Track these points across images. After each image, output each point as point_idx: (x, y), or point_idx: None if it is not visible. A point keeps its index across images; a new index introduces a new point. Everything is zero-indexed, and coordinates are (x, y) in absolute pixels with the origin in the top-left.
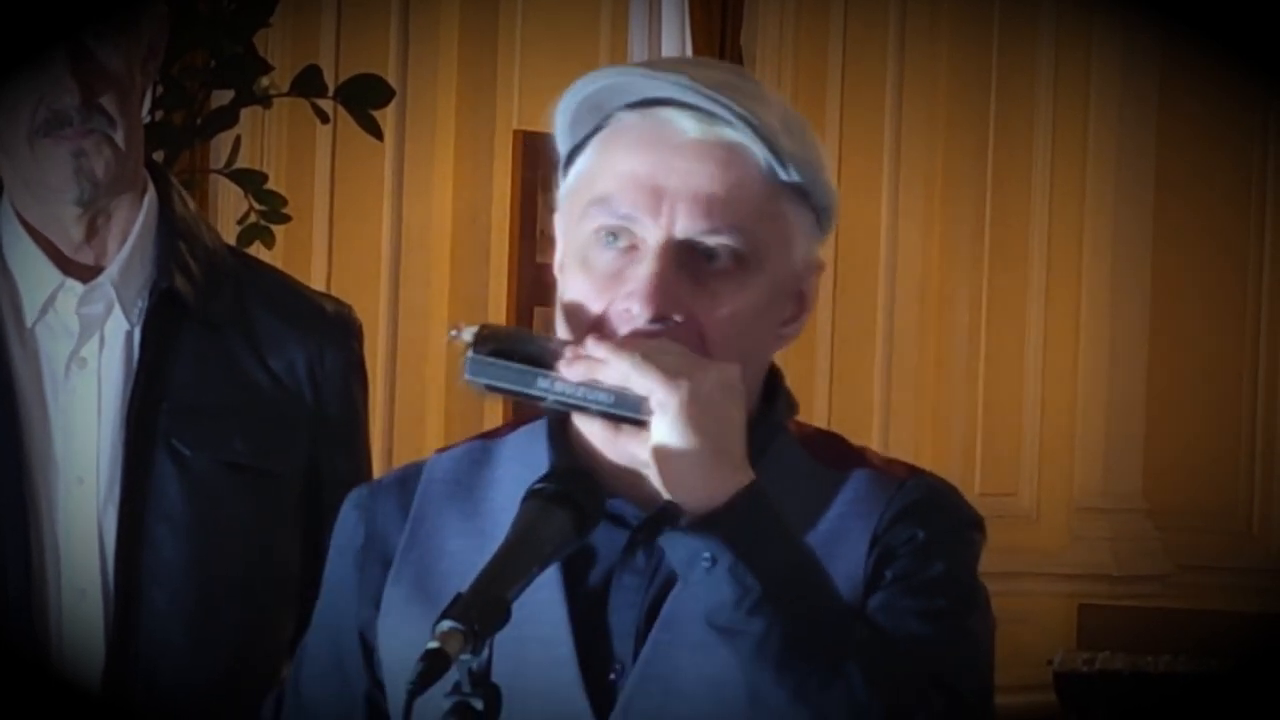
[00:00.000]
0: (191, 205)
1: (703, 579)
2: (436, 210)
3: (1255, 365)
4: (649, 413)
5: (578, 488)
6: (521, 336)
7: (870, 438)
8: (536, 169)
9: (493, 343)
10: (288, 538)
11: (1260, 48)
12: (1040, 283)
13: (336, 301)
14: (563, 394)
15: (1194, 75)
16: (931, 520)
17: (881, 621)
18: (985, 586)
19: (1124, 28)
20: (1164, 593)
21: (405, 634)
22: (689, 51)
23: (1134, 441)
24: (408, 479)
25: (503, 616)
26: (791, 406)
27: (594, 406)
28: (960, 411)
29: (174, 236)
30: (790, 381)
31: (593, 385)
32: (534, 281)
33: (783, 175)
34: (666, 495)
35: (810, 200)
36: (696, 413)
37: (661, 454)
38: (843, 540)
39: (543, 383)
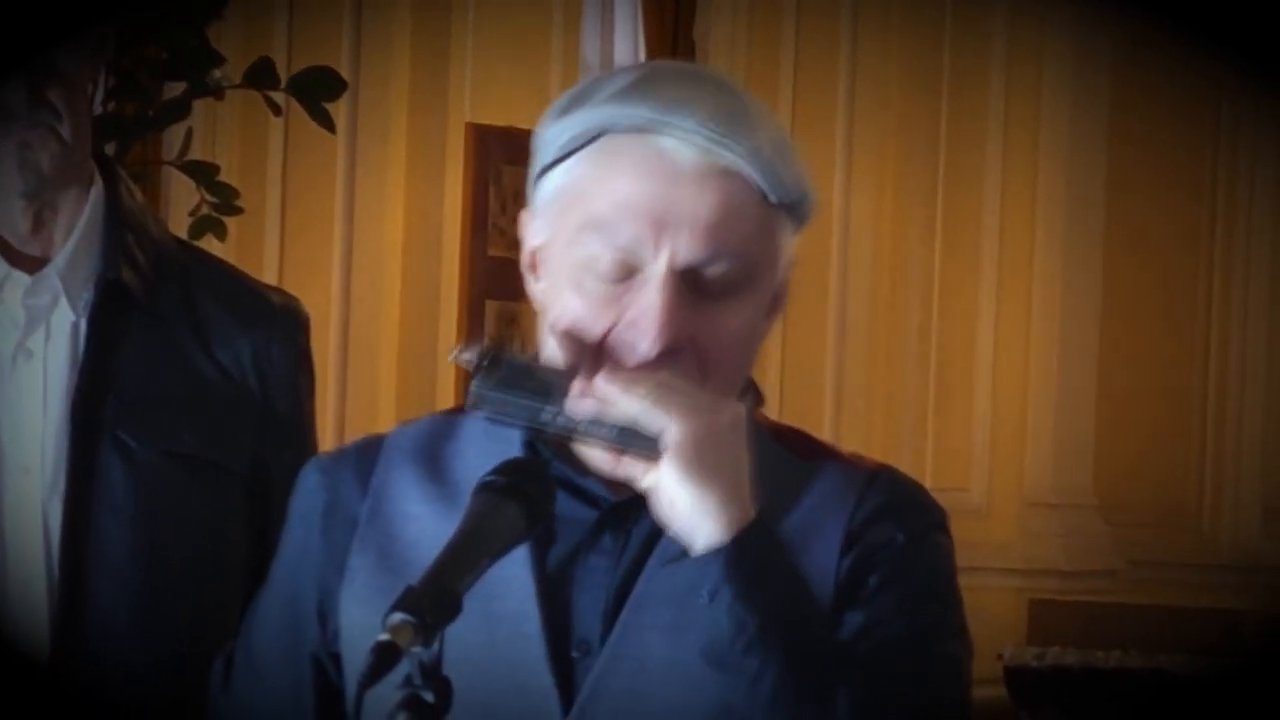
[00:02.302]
0: (139, 197)
1: (699, 612)
2: (389, 203)
3: (1206, 362)
4: (654, 448)
5: (531, 482)
6: (525, 368)
7: (821, 432)
8: (488, 162)
9: (497, 373)
10: (234, 528)
11: (1212, 45)
12: (992, 279)
13: (284, 294)
14: (568, 426)
15: (1146, 72)
16: (908, 520)
17: (870, 640)
18: (961, 598)
19: (1077, 25)
20: (1114, 588)
21: (371, 602)
22: (640, 40)
23: (1085, 437)
24: (369, 447)
25: (454, 609)
26: (758, 398)
27: (599, 439)
28: (911, 407)
29: (121, 228)
30: None
31: (598, 420)
32: (486, 274)
33: (775, 199)
34: (669, 527)
35: (795, 213)
36: (708, 451)
37: (669, 492)
38: (816, 533)
39: (546, 416)
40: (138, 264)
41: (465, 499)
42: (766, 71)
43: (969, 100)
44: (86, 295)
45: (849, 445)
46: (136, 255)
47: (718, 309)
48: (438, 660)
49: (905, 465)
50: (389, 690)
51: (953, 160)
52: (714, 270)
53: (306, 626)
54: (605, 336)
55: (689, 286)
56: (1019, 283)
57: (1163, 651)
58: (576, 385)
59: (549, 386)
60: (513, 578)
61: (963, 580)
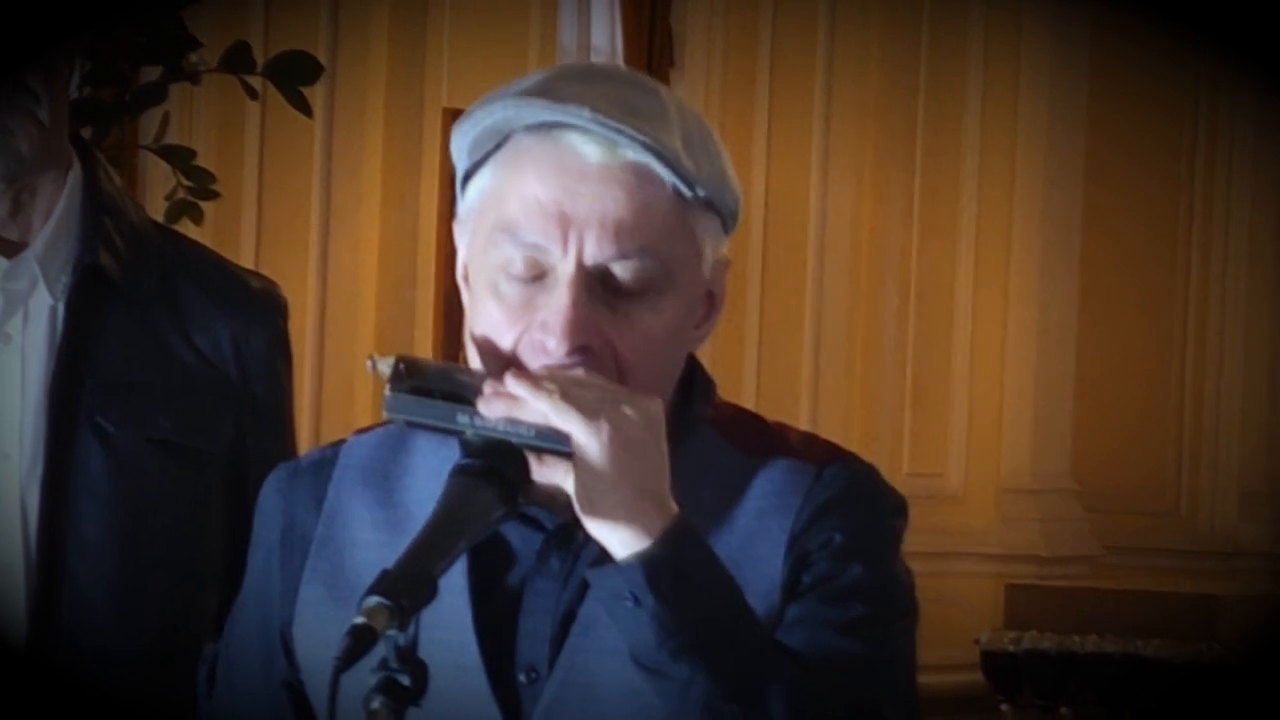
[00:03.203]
0: (117, 181)
1: (626, 617)
2: (365, 187)
3: (1184, 348)
4: (570, 447)
5: (505, 463)
6: (440, 372)
7: (799, 419)
8: None
9: (411, 379)
10: (212, 513)
11: (1190, 34)
12: (969, 265)
13: (263, 279)
14: (484, 428)
15: (1124, 58)
16: (850, 517)
17: (800, 635)
18: (909, 575)
19: (1055, 14)
20: (1091, 573)
21: (320, 632)
22: (617, 28)
23: (1062, 423)
24: (324, 464)
25: (430, 592)
26: (709, 392)
27: (516, 440)
28: (888, 393)
29: (99, 212)
30: (719, 363)
31: (514, 420)
32: None
33: (689, 194)
34: (590, 533)
35: (716, 208)
36: (619, 453)
37: (583, 494)
38: (760, 541)
39: (463, 418)
40: (116, 248)
41: (415, 523)
42: (744, 60)
43: (947, 88)
44: (65, 279)
45: (826, 433)
46: (115, 240)
47: (633, 308)
48: (413, 643)
49: (883, 451)
50: (365, 674)
51: (930, 148)
52: (626, 268)
53: (275, 655)
54: (520, 339)
55: (601, 285)
56: (997, 269)
57: (1140, 636)
58: (487, 387)
59: (464, 390)
60: (448, 606)
61: (940, 565)
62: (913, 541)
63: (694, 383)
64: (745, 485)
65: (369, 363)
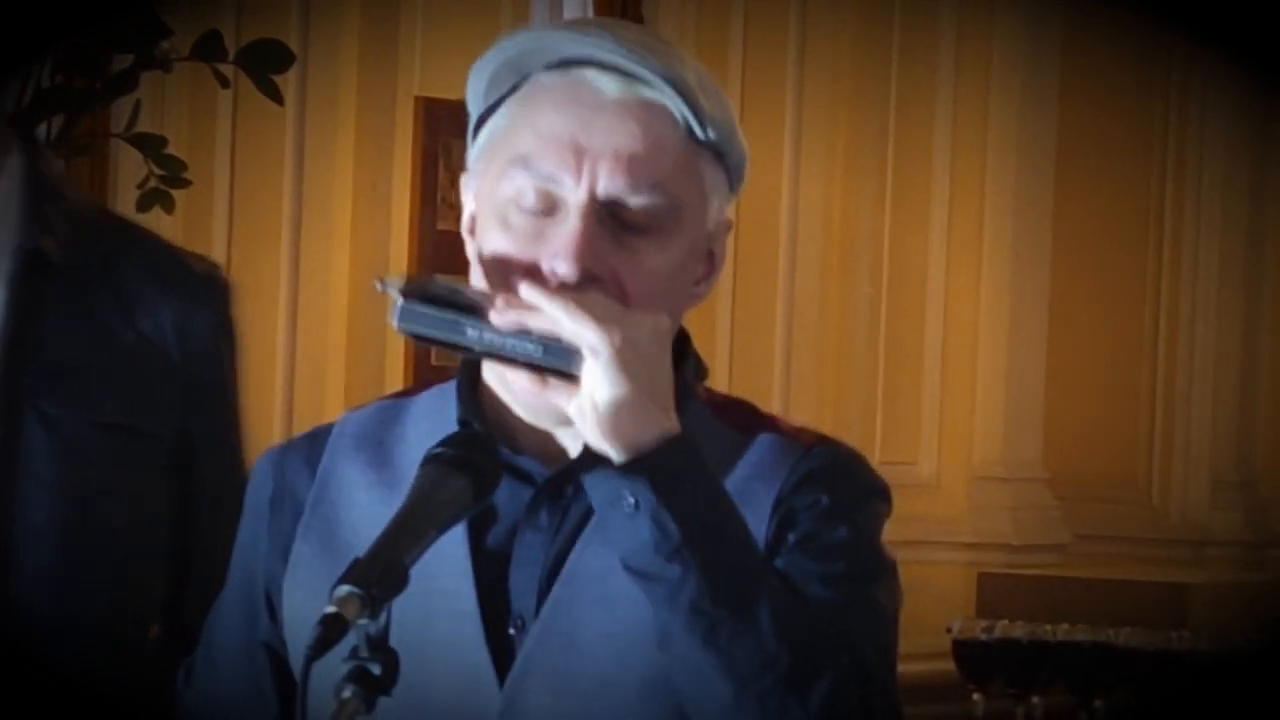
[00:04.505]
0: (58, 166)
1: (623, 522)
2: (338, 175)
3: (1155, 336)
4: (577, 366)
5: (476, 452)
6: (451, 287)
7: (771, 404)
8: (438, 135)
9: (422, 291)
10: (158, 498)
11: (1162, 26)
12: (941, 253)
13: (206, 262)
14: (491, 343)
15: (1096, 49)
16: (836, 486)
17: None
18: (893, 556)
19: (1028, 3)
20: (1064, 562)
21: (312, 588)
22: (590, 14)
23: (1034, 411)
24: (318, 435)
25: (400, 581)
26: (700, 370)
27: (522, 357)
28: (860, 381)
29: (40, 198)
30: None
31: (522, 335)
32: (435, 247)
33: (701, 134)
34: (593, 442)
35: (724, 160)
36: (630, 358)
37: (592, 399)
38: (746, 503)
39: (472, 332)
40: (58, 233)
41: (409, 486)
42: (716, 44)
43: (920, 73)
44: (6, 265)
45: (798, 418)
46: (56, 224)
47: (641, 243)
48: (384, 632)
49: (855, 438)
50: (336, 663)
51: (902, 139)
52: (637, 202)
53: (258, 615)
54: (529, 268)
55: (611, 218)
56: (969, 257)
57: (1111, 625)
58: (500, 299)
59: (474, 306)
60: (449, 556)
61: (912, 553)
62: (886, 530)
63: (686, 357)
64: (734, 458)
65: (377, 282)
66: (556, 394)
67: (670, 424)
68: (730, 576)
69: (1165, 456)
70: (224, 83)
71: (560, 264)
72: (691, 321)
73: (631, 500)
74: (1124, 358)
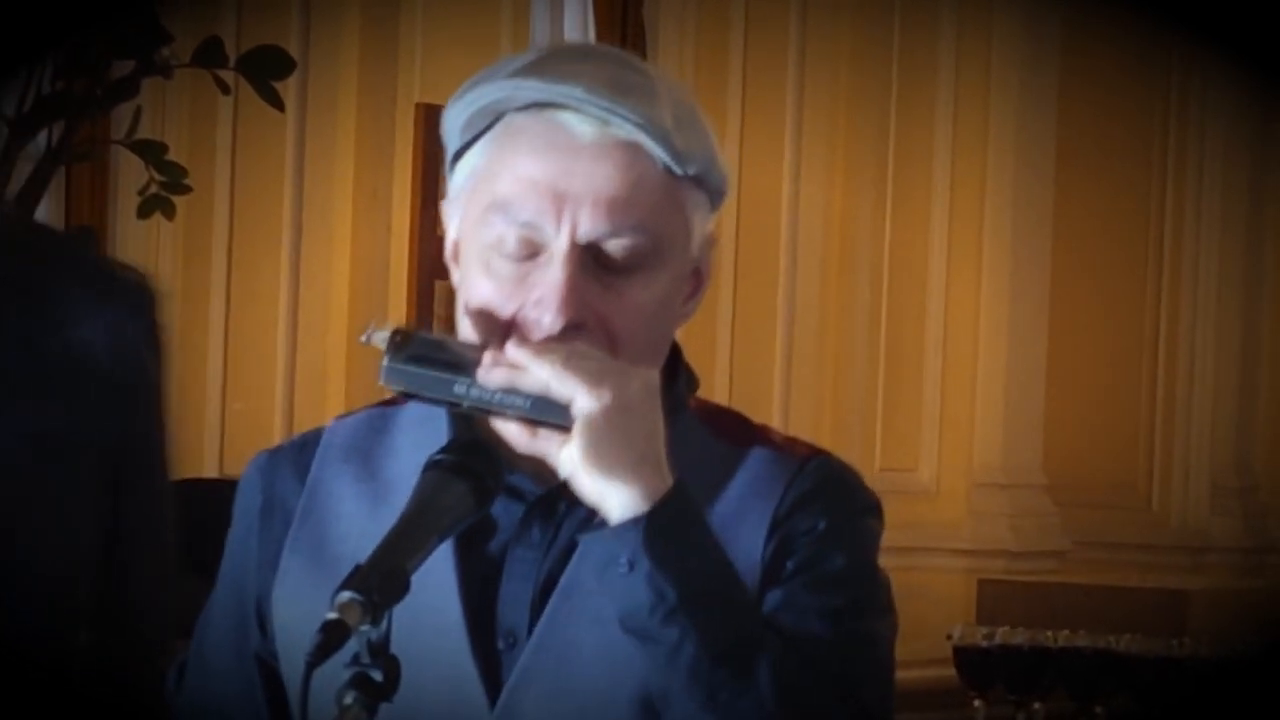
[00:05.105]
0: None
1: (618, 582)
2: (338, 181)
3: (1155, 342)
4: (569, 419)
5: (478, 459)
6: (437, 343)
7: (770, 413)
8: (438, 141)
9: (408, 349)
10: (84, 508)
11: (1162, 26)
12: (941, 259)
13: (134, 270)
14: (480, 399)
15: (1096, 49)
16: (832, 507)
17: (784, 620)
18: (887, 578)
19: (1027, 3)
20: (1063, 568)
21: (301, 601)
22: (590, 19)
23: (1034, 417)
24: (307, 444)
25: (402, 588)
26: (692, 383)
27: (512, 412)
28: (860, 387)
29: None
30: (691, 356)
31: (511, 391)
32: (436, 254)
33: (679, 171)
34: (585, 498)
35: (705, 185)
36: (620, 420)
37: (583, 461)
38: (743, 521)
39: (459, 389)
40: None
41: (398, 498)
42: (716, 51)
43: (919, 80)
44: None
45: (798, 426)
46: None
47: (625, 284)
48: (386, 639)
49: (854, 445)
50: (337, 670)
51: (902, 141)
52: (619, 245)
53: (248, 626)
54: (514, 316)
55: (594, 262)
56: (968, 263)
57: (1111, 631)
58: (487, 356)
59: (461, 360)
60: (436, 571)
61: (911, 560)
62: (885, 537)
63: (678, 371)
64: (728, 471)
65: (364, 335)
66: (548, 443)
67: (663, 481)
68: (729, 635)
69: (1164, 462)
70: (225, 89)
71: (545, 315)
72: (691, 326)
73: (626, 562)
74: (1124, 365)
